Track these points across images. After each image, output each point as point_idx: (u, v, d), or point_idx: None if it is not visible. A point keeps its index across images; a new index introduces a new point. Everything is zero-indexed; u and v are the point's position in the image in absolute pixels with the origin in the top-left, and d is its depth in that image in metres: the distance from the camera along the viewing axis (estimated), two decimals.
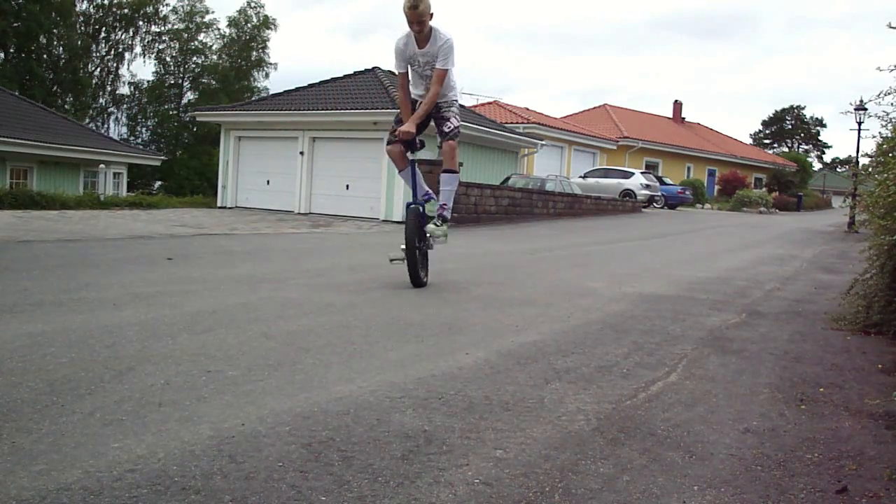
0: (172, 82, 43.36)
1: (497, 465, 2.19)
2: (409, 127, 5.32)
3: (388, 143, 5.57)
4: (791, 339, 4.47)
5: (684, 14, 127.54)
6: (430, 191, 5.77)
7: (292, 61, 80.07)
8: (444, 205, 5.63)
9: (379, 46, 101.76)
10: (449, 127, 5.48)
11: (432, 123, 5.62)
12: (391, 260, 5.54)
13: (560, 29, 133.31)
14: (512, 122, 24.92)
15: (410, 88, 5.53)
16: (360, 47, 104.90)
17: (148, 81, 42.67)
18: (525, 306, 5.03)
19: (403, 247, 5.42)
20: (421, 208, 5.61)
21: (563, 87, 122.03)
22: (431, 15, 5.21)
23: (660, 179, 28.10)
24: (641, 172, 26.74)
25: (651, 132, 36.45)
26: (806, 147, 75.29)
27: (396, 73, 5.61)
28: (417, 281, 5.54)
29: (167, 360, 3.05)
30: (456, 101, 5.66)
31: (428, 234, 5.60)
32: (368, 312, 4.42)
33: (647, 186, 25.28)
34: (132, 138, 40.91)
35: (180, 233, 9.89)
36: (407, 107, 5.49)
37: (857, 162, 18.00)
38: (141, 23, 41.54)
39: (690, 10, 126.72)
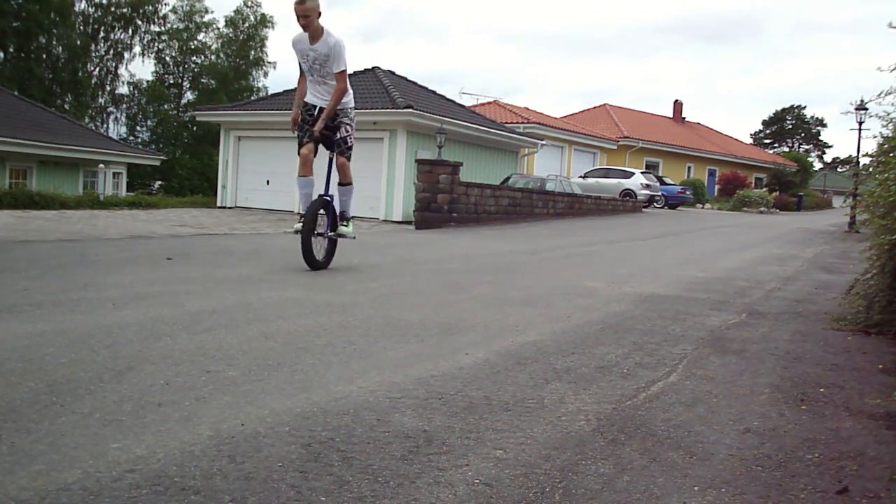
0: (172, 82, 43.35)
1: (497, 465, 2.19)
2: (321, 125, 5.83)
3: (303, 145, 5.97)
4: (791, 340, 4.47)
5: (690, 19, 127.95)
6: (334, 195, 6.24)
7: None
8: (343, 212, 6.28)
9: (390, 50, 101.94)
10: (341, 136, 5.99)
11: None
12: (294, 231, 6.08)
13: (566, 32, 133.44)
14: (512, 122, 24.88)
15: (308, 92, 6.05)
16: (370, 50, 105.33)
17: (147, 81, 42.68)
18: (525, 306, 5.03)
19: (299, 225, 5.97)
20: (329, 199, 6.15)
21: (568, 89, 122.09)
22: (319, 14, 5.68)
23: (660, 179, 28.08)
24: (642, 172, 26.71)
25: (651, 132, 36.41)
26: (806, 147, 75.23)
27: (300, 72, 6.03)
28: (311, 262, 5.98)
29: (167, 361, 3.05)
30: (352, 107, 6.12)
31: (341, 234, 6.26)
32: (368, 312, 4.41)
33: (648, 186, 25.24)
34: (132, 138, 40.86)
35: (180, 233, 9.88)
36: (298, 106, 6.06)
37: (858, 162, 18.04)
38: (140, 22, 41.49)
39: (696, 14, 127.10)
